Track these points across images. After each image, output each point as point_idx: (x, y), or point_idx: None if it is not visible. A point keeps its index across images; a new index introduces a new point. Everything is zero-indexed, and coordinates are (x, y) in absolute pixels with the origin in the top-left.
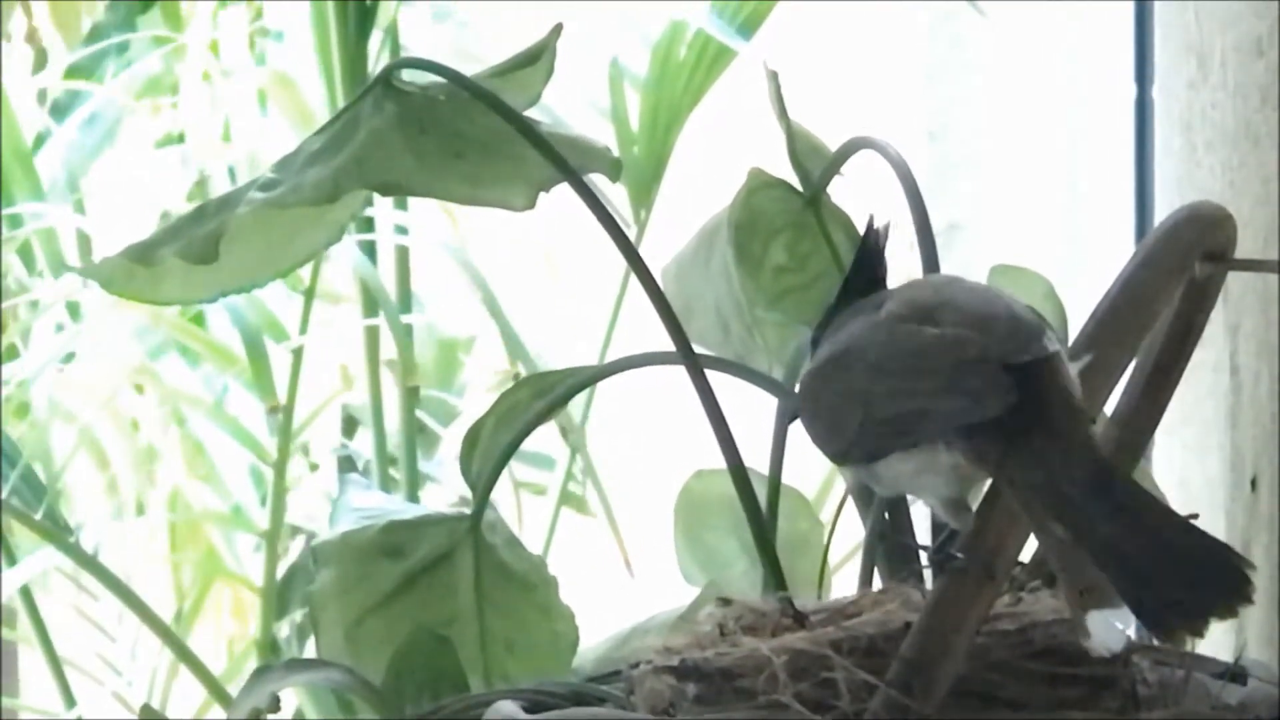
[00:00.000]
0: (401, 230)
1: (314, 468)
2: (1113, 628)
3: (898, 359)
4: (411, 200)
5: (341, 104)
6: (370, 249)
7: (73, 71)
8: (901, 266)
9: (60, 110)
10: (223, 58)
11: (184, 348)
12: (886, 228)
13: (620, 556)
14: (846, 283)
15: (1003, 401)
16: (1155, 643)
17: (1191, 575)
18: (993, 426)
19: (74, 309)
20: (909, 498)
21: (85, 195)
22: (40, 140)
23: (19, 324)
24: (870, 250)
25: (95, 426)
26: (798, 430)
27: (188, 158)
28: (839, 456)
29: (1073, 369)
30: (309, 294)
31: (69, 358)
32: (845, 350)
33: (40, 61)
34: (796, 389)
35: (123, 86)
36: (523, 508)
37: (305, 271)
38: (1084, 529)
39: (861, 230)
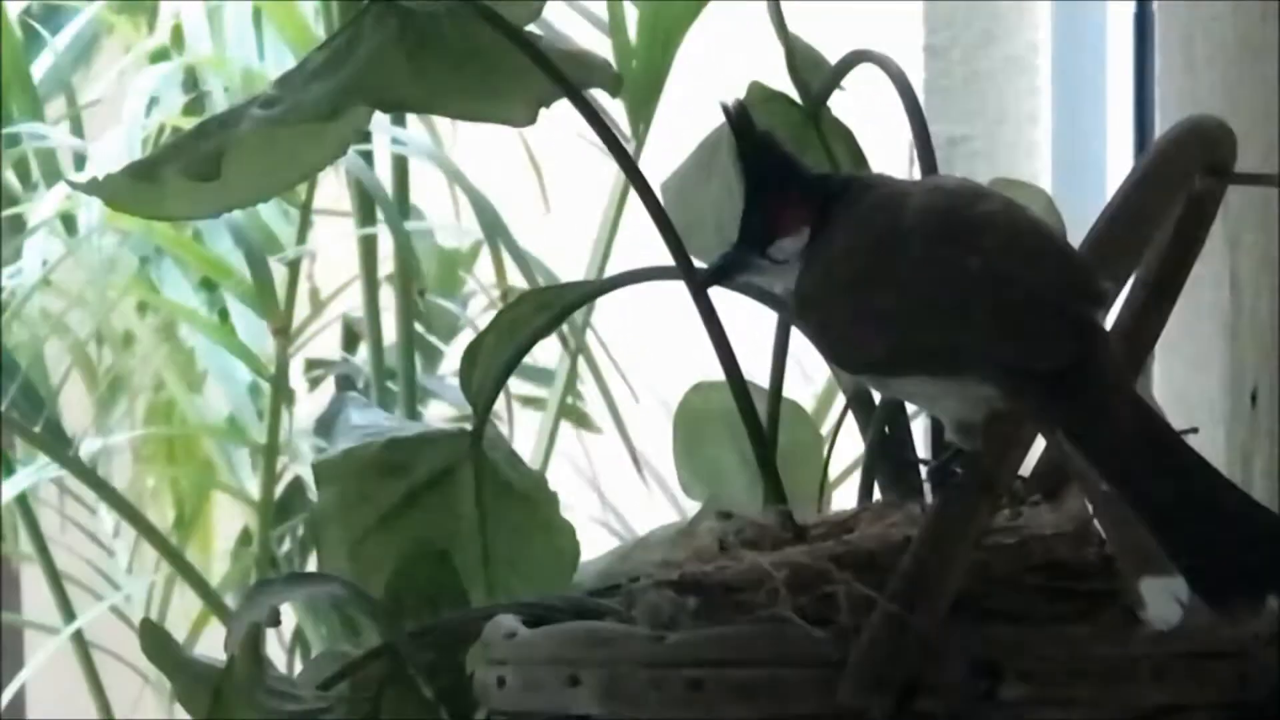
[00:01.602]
0: (399, 143)
1: (315, 384)
2: (1170, 600)
3: (941, 288)
4: (409, 116)
5: (336, 21)
6: (367, 161)
7: None
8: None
9: (41, 23)
10: None
11: (179, 260)
12: (739, 107)
13: (630, 458)
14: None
15: (1068, 352)
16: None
17: (1250, 548)
18: (1042, 378)
19: (69, 222)
20: (909, 409)
21: (81, 111)
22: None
23: (13, 240)
24: (764, 146)
25: (92, 339)
26: (797, 343)
27: (183, 74)
28: (853, 369)
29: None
30: (305, 207)
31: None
32: (867, 263)
33: None
34: (796, 294)
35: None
36: (521, 421)
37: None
38: (1134, 488)
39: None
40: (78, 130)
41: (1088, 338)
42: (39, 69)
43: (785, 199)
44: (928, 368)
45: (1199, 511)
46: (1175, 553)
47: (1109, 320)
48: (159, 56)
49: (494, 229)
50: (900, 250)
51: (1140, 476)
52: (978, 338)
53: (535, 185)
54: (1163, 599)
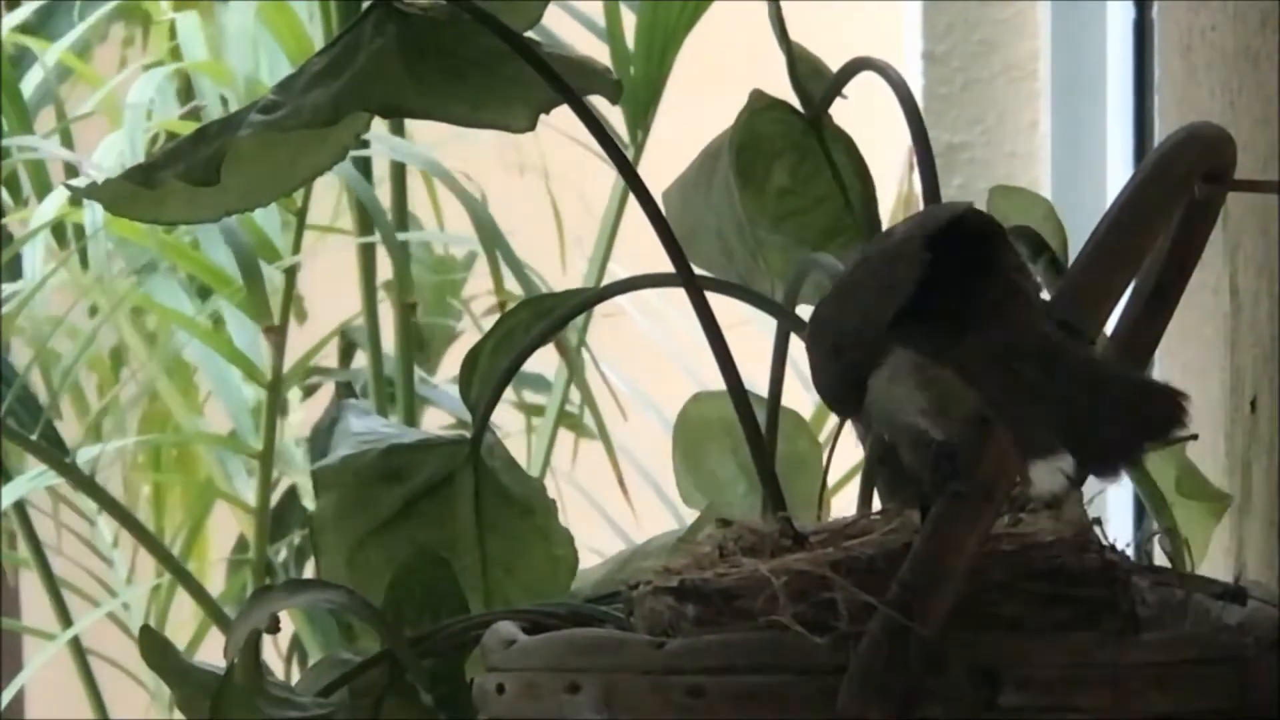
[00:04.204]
0: (395, 150)
1: (310, 392)
2: (1053, 472)
3: (847, 276)
4: (408, 124)
5: (336, 28)
6: (366, 169)
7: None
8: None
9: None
10: None
11: (176, 268)
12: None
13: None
14: None
15: (916, 272)
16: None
17: (1127, 409)
18: (945, 323)
19: (59, 233)
20: None
21: (71, 124)
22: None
23: (8, 248)
24: None
25: (89, 347)
26: (797, 352)
27: (179, 80)
28: (834, 405)
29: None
30: (301, 215)
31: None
32: (835, 284)
33: (13, 3)
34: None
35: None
36: (520, 430)
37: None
38: (1012, 379)
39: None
40: (68, 143)
41: (977, 277)
42: (28, 81)
43: None
44: (853, 350)
45: (1082, 395)
46: (1061, 435)
47: (1109, 320)
48: (154, 65)
49: (491, 239)
50: (843, 271)
51: (1025, 373)
52: (866, 301)
53: (535, 191)
54: (1049, 474)
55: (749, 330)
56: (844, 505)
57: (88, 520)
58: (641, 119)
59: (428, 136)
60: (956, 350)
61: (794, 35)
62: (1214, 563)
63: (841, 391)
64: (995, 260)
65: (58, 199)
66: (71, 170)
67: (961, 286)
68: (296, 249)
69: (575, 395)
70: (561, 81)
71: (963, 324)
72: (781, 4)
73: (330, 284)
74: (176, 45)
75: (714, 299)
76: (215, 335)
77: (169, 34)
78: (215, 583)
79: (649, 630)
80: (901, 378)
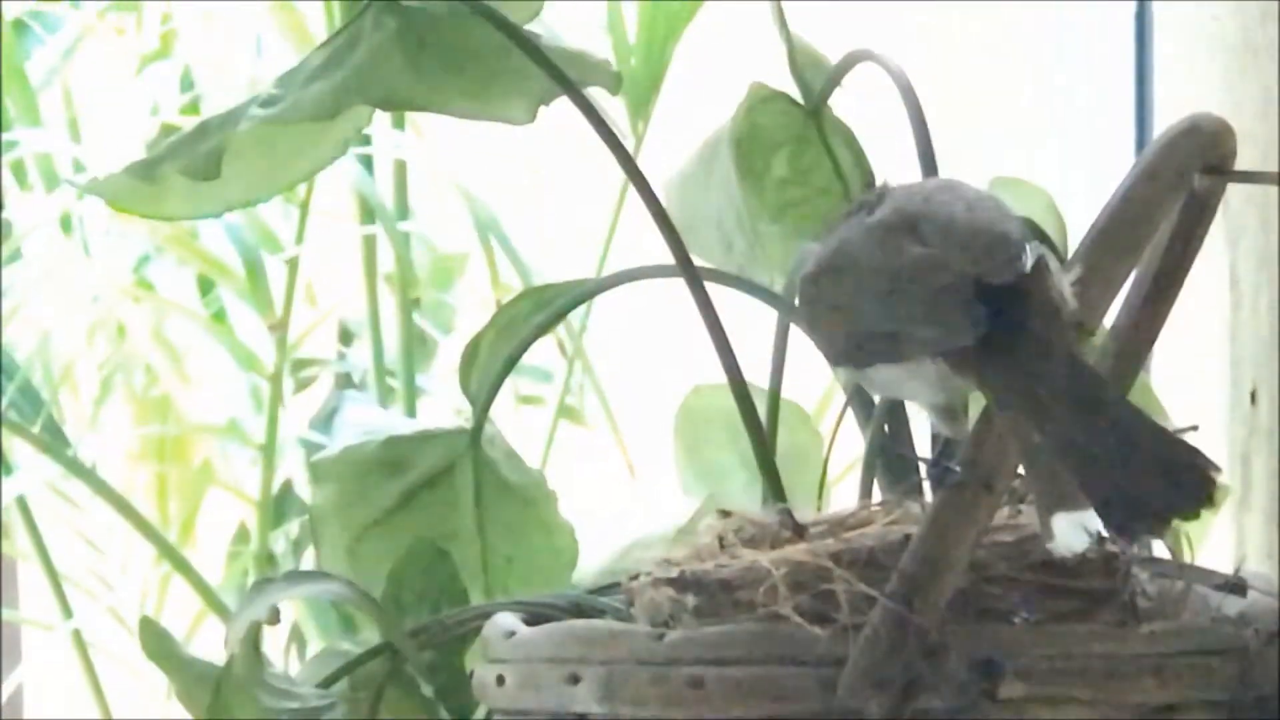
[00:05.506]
0: (399, 135)
1: (305, 384)
2: (1077, 529)
3: (881, 277)
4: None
5: (338, 20)
6: (367, 164)
7: None
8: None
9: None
10: None
11: (178, 259)
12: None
13: (624, 461)
14: None
15: (973, 332)
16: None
17: (1158, 477)
18: (980, 345)
19: (66, 223)
20: (908, 408)
21: (80, 115)
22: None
23: (11, 239)
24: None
25: (89, 338)
26: (797, 344)
27: (181, 74)
28: (831, 361)
29: (1064, 279)
30: (304, 207)
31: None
32: (836, 257)
33: None
34: (796, 294)
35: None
36: (521, 421)
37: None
38: (1056, 431)
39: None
40: (74, 131)
41: (1014, 299)
42: (32, 67)
43: None
44: (876, 356)
45: (1111, 446)
46: (1086, 485)
47: (1110, 312)
48: (154, 57)
49: (487, 235)
50: (863, 245)
51: (1065, 425)
52: (904, 323)
53: (535, 184)
54: (1072, 531)
55: (747, 315)
56: (844, 496)
57: (80, 511)
58: (642, 110)
59: (430, 127)
60: (993, 378)
61: (793, 27)
62: (1214, 554)
63: (839, 361)
64: (1038, 285)
65: (63, 192)
66: (78, 163)
67: (997, 302)
68: (300, 240)
69: (574, 385)
70: (561, 74)
71: (1000, 347)
72: None
73: (330, 272)
74: (171, 32)
75: (712, 286)
76: (217, 325)
77: (163, 21)
78: (215, 572)
79: (649, 621)
80: (921, 375)
